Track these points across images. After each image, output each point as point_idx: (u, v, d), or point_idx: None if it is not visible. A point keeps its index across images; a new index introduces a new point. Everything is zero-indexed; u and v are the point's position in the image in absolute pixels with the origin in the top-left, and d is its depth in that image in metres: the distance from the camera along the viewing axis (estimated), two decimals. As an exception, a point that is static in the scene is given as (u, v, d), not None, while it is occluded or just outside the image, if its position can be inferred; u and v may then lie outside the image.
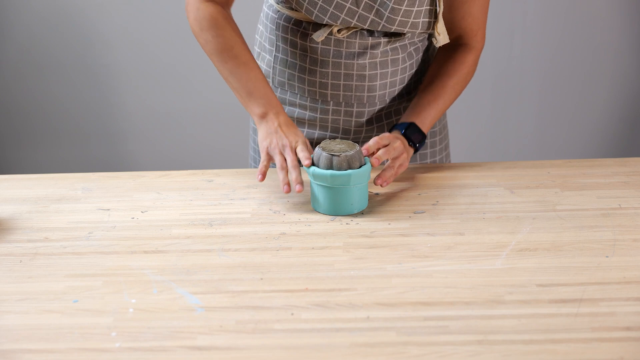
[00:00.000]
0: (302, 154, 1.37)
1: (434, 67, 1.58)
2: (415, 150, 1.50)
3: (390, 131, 1.50)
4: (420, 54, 1.60)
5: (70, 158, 3.08)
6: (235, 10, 2.83)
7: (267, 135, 1.42)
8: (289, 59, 1.57)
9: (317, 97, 1.57)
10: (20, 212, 1.40)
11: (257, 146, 1.70)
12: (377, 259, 1.21)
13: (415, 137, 1.49)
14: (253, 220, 1.35)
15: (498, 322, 1.03)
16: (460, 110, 2.83)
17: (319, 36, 1.50)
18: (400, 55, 1.55)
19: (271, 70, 1.61)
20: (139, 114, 3.02)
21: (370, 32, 1.51)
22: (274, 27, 1.58)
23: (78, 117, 3.02)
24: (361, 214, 1.36)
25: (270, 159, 1.42)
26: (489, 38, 2.90)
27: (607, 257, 1.20)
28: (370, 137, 1.63)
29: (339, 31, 1.50)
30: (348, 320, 1.05)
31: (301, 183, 1.35)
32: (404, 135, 1.48)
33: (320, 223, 1.33)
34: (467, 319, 1.04)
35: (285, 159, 1.39)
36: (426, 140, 1.66)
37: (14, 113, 3.01)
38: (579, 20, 2.89)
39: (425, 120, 1.52)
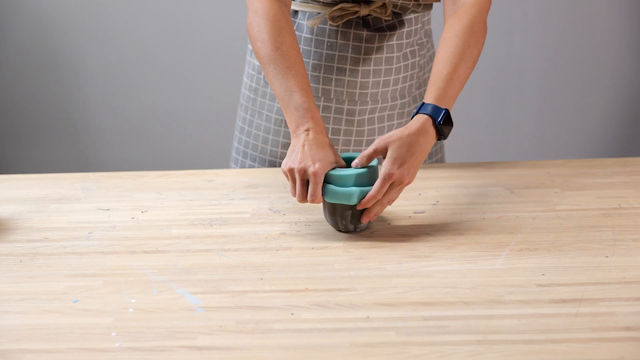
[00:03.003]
0: (310, 190, 1.25)
1: (442, 41, 1.42)
2: (438, 140, 1.32)
3: (412, 117, 1.30)
4: (417, 58, 1.60)
5: (70, 158, 3.08)
6: (232, 6, 2.82)
7: (290, 153, 1.29)
8: None
9: None
10: (20, 212, 1.40)
11: (243, 147, 1.68)
12: (377, 259, 1.21)
13: (446, 130, 1.30)
14: (253, 220, 1.35)
15: (498, 322, 1.03)
16: (460, 110, 2.83)
17: (313, 22, 1.49)
18: (395, 55, 1.55)
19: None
20: (138, 113, 3.02)
21: (365, 23, 1.51)
22: None
23: (78, 117, 3.02)
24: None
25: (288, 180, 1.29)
26: (490, 37, 2.90)
27: (607, 257, 1.20)
28: (359, 150, 1.56)
29: (333, 19, 1.50)
30: (348, 320, 1.05)
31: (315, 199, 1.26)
32: (437, 125, 1.28)
33: (320, 223, 1.33)
34: (467, 319, 1.04)
35: (298, 185, 1.27)
36: None
37: (14, 113, 3.01)
38: (579, 20, 2.89)
39: (451, 100, 1.32)
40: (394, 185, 1.26)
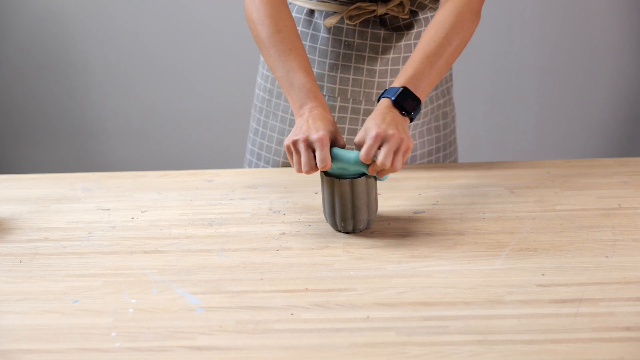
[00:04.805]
0: (318, 156, 1.23)
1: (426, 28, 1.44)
2: (411, 120, 1.30)
3: (378, 100, 1.31)
4: None
5: (70, 158, 3.08)
6: (233, 6, 2.80)
7: (294, 131, 1.28)
8: None
9: (325, 92, 1.56)
10: (20, 212, 1.40)
11: (257, 149, 1.68)
12: (377, 259, 1.21)
13: (408, 105, 1.28)
14: (253, 220, 1.35)
15: (498, 322, 1.03)
16: (459, 109, 2.82)
17: (330, 22, 1.49)
18: None
19: None
20: (138, 113, 3.02)
21: (383, 22, 1.51)
22: None
23: (78, 117, 3.02)
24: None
25: (292, 156, 1.27)
26: (488, 35, 2.91)
27: (607, 257, 1.20)
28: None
29: (350, 18, 1.49)
30: (348, 320, 1.05)
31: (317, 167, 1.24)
32: (395, 103, 1.28)
33: (320, 223, 1.33)
34: (467, 319, 1.04)
35: (303, 153, 1.25)
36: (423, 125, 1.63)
37: (14, 113, 3.01)
38: (578, 18, 2.89)
39: (419, 82, 1.31)
40: (386, 144, 1.22)
